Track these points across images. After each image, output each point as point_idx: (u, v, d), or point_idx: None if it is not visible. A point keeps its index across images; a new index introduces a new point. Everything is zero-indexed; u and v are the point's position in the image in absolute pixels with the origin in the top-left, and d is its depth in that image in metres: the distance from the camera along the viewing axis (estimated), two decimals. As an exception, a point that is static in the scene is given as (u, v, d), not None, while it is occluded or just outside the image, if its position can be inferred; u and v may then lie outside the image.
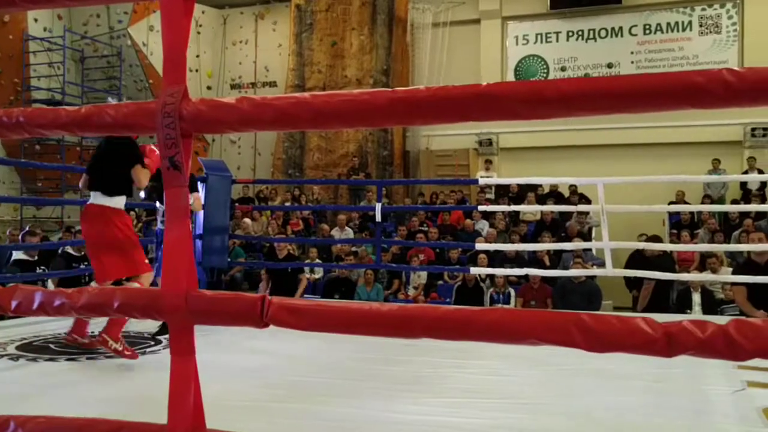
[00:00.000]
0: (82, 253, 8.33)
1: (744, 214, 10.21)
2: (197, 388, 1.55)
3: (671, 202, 11.15)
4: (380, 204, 7.70)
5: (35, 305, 1.73)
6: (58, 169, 12.79)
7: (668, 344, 1.21)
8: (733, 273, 7.36)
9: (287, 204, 13.00)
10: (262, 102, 1.53)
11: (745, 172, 11.64)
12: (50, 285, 7.90)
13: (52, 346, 4.88)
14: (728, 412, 3.32)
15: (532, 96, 1.31)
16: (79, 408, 2.40)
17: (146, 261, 4.53)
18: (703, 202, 11.35)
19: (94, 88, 14.83)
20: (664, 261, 8.27)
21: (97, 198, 4.31)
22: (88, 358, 4.48)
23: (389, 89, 1.44)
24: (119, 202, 4.37)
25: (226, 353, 4.70)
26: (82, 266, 7.88)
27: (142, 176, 4.35)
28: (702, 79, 1.21)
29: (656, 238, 8.09)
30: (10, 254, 8.08)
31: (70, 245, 8.46)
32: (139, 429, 1.60)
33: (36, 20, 14.07)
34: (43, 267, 8.07)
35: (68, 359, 4.44)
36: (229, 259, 9.15)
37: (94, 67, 15.11)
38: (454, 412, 3.17)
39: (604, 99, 1.29)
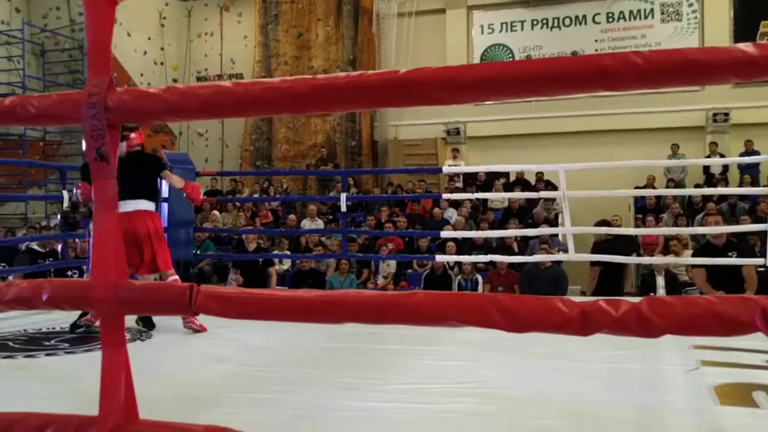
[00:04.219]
0: (47, 249, 8.22)
1: (707, 198, 10.41)
2: (129, 379, 1.54)
3: (637, 187, 11.30)
4: (345, 194, 7.71)
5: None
6: (20, 164, 12.59)
7: (584, 323, 1.23)
8: (693, 255, 7.50)
9: (255, 196, 12.92)
10: (186, 91, 1.52)
11: (708, 157, 11.83)
12: (13, 282, 7.80)
13: (10, 343, 4.82)
14: (680, 390, 3.38)
15: (448, 81, 1.32)
16: (23, 404, 2.37)
17: None
18: (667, 186, 11.52)
19: (56, 82, 14.58)
20: (620, 245, 8.40)
21: (141, 204, 4.91)
22: (47, 355, 4.44)
23: (310, 77, 1.45)
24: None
25: (188, 343, 4.71)
26: (47, 262, 7.79)
27: (174, 180, 5.08)
28: (611, 62, 1.23)
29: (605, 223, 8.19)
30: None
31: (30, 241, 8.34)
32: (69, 421, 1.59)
33: (-8, 12, 13.80)
34: (3, 264, 7.95)
35: (26, 356, 4.39)
36: (198, 252, 9.12)
37: (55, 61, 14.85)
38: (410, 398, 3.20)
39: (519, 83, 1.30)
